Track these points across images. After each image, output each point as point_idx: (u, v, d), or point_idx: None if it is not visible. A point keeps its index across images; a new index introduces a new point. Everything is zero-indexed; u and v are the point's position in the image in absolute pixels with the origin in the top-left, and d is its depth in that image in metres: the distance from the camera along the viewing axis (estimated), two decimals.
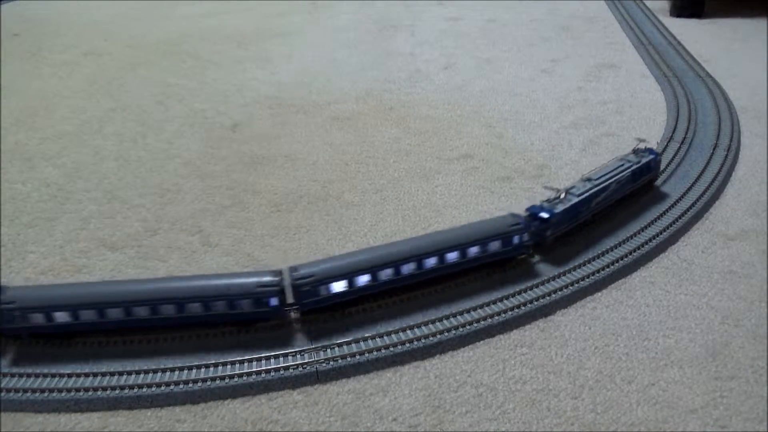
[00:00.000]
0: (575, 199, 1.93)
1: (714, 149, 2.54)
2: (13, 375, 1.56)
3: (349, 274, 1.68)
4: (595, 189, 1.99)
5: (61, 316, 1.60)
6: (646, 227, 2.05)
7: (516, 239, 1.83)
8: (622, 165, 2.12)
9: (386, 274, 1.71)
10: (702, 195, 2.22)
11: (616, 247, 1.95)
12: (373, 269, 1.69)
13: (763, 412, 1.43)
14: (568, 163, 2.52)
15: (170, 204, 2.33)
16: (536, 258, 1.91)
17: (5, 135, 2.94)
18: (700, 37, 4.06)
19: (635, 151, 2.23)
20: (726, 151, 2.53)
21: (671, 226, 2.05)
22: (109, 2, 5.52)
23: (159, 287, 1.63)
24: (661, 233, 2.02)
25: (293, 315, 1.71)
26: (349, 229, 2.15)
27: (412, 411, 1.46)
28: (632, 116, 2.92)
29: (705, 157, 2.48)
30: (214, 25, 4.70)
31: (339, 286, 1.68)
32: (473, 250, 1.78)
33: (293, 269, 1.69)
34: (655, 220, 2.08)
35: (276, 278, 1.65)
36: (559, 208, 1.89)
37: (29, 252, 2.08)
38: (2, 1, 5.63)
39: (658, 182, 2.31)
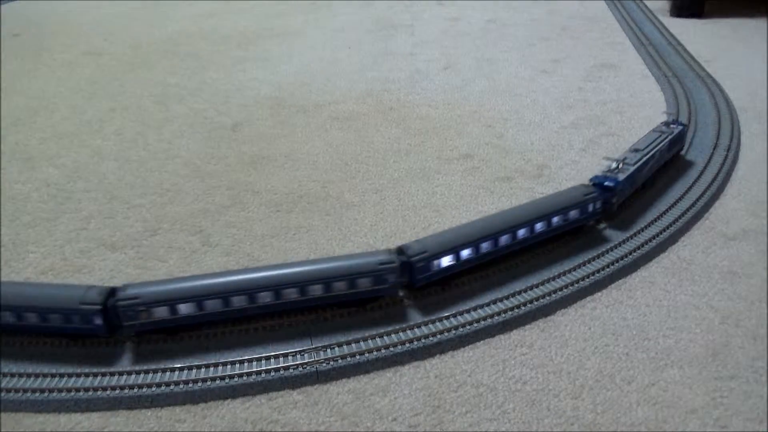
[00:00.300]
0: (632, 168, 2.11)
1: (714, 149, 2.54)
2: (13, 375, 1.56)
3: (456, 248, 1.77)
4: (646, 158, 2.18)
5: (185, 308, 1.61)
6: (646, 227, 2.05)
7: (591, 207, 2.00)
8: (660, 136, 2.32)
9: (486, 246, 1.83)
10: (702, 195, 2.22)
11: (615, 246, 1.95)
12: (476, 242, 1.80)
13: (763, 412, 1.43)
14: (568, 163, 2.52)
15: (170, 204, 2.34)
16: (603, 225, 2.08)
17: (5, 135, 2.94)
18: (700, 37, 4.06)
19: (665, 123, 2.45)
20: (726, 151, 2.53)
21: (671, 226, 2.06)
22: (109, 2, 5.52)
23: (281, 273, 1.67)
24: (661, 233, 2.02)
25: (401, 293, 1.78)
26: (349, 229, 2.15)
27: (412, 411, 1.46)
28: (632, 116, 2.92)
29: (705, 157, 2.48)
30: (214, 25, 4.71)
31: (446, 261, 1.77)
32: (556, 220, 1.94)
33: (404, 248, 1.76)
34: (655, 220, 2.08)
35: (393, 256, 1.72)
36: (621, 176, 2.06)
37: (29, 252, 2.08)
38: (2, 1, 5.63)
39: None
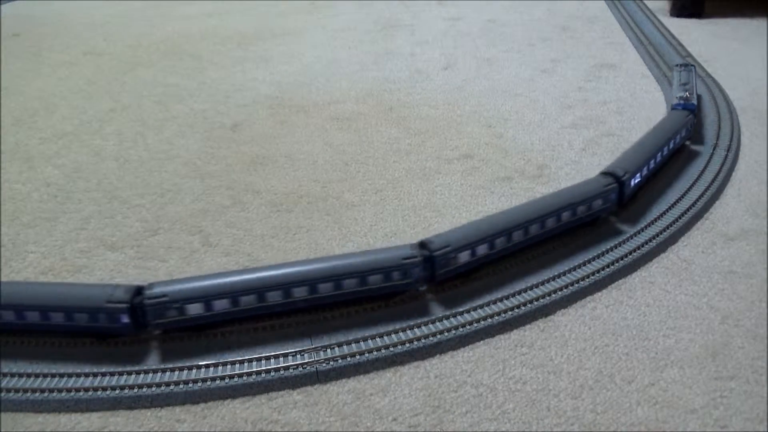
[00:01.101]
0: (695, 95, 2.66)
1: (714, 149, 2.54)
2: (13, 375, 1.56)
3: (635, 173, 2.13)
4: (695, 88, 2.74)
5: (481, 249, 1.82)
6: (646, 227, 2.05)
7: (689, 127, 2.51)
8: (688, 73, 2.89)
9: (636, 180, 2.15)
10: (702, 195, 2.22)
11: (615, 247, 1.96)
12: (639, 170, 2.15)
13: (763, 412, 1.43)
14: (568, 163, 2.52)
15: (170, 204, 2.34)
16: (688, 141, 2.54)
17: (5, 135, 2.94)
18: (700, 37, 4.06)
19: (682, 65, 3.03)
20: (726, 151, 2.53)
21: (671, 226, 2.06)
22: (109, 2, 5.52)
23: (513, 216, 1.89)
24: (661, 233, 2.02)
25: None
26: (349, 229, 2.15)
27: (412, 411, 1.46)
28: (632, 116, 2.92)
29: (705, 157, 2.48)
30: (214, 25, 4.71)
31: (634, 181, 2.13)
32: (677, 140, 2.41)
33: (609, 171, 2.09)
34: (655, 220, 2.08)
35: (609, 178, 2.05)
36: (694, 101, 2.61)
37: (29, 252, 2.08)
38: (2, 1, 5.63)
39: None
